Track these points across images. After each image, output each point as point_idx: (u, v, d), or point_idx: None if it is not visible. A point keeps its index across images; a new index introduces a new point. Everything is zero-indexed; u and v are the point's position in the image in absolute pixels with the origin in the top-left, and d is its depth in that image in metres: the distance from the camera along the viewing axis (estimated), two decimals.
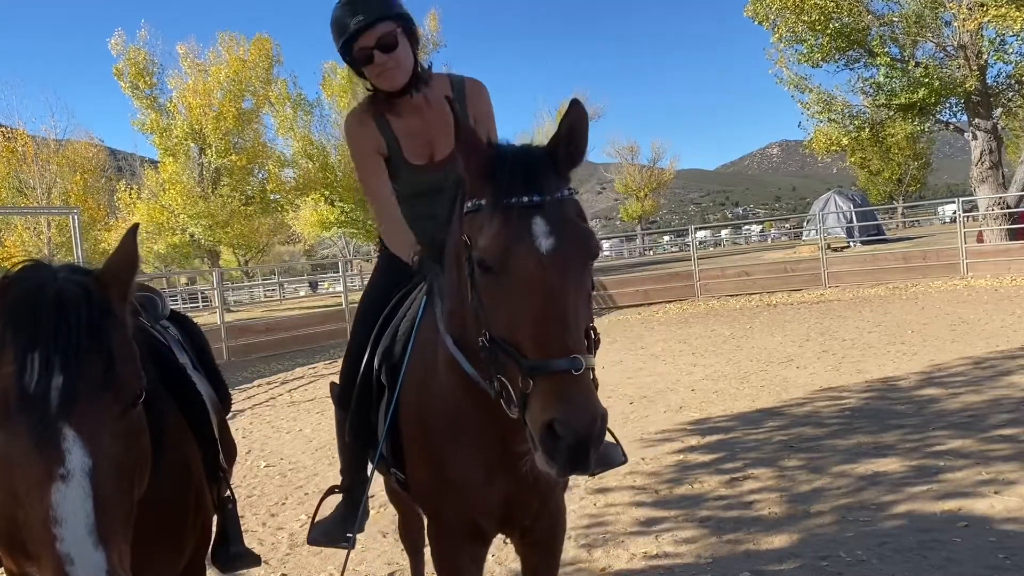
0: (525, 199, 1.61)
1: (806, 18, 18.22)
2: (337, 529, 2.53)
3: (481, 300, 1.65)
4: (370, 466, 2.50)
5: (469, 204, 1.70)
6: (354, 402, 2.39)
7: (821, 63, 19.12)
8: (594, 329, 1.64)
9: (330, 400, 2.71)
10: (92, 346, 1.34)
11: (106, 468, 1.28)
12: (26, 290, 1.38)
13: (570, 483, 2.41)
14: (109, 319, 1.41)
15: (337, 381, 2.63)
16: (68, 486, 1.22)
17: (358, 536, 2.51)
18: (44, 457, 1.24)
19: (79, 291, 1.40)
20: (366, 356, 2.40)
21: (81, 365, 1.31)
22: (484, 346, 1.62)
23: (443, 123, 2.41)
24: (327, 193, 33.08)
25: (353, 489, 2.55)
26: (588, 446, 1.43)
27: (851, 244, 24.35)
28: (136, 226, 1.58)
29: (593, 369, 1.56)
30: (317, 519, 2.66)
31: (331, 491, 2.67)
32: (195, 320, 2.92)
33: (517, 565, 3.83)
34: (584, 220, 1.70)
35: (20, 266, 1.47)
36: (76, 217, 16.96)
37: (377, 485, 2.61)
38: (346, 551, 2.39)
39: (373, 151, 2.54)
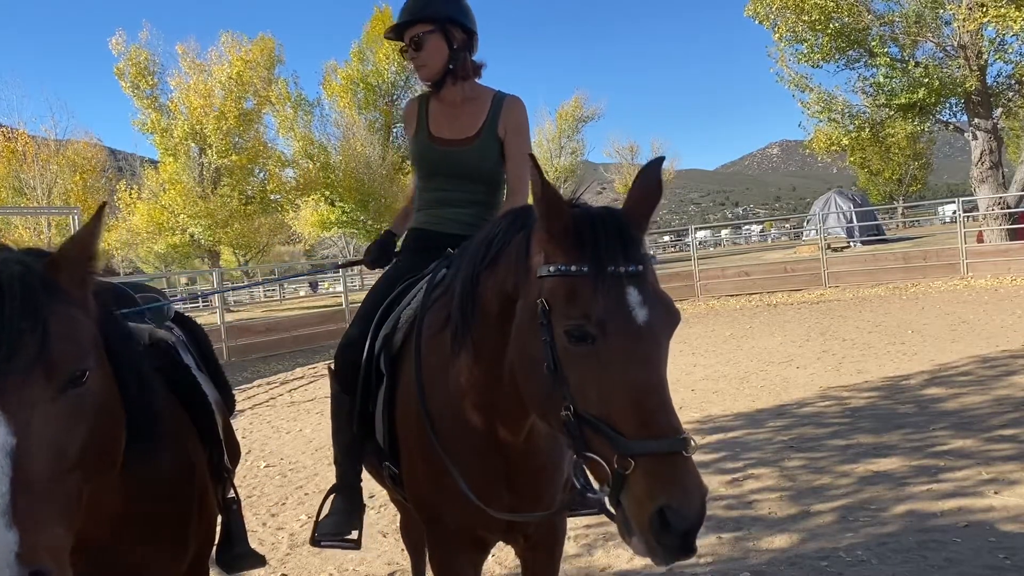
0: (623, 268, 1.51)
1: (806, 18, 18.22)
2: (343, 524, 2.51)
3: (566, 373, 1.50)
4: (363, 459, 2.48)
5: (550, 268, 1.57)
6: (360, 387, 2.36)
7: (821, 63, 19.13)
8: None
9: (330, 400, 2.69)
10: (25, 326, 1.33)
11: (35, 448, 1.26)
12: None
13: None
14: (51, 299, 1.39)
15: (333, 362, 2.59)
16: None
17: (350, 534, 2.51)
18: None
19: (20, 271, 1.39)
20: (368, 340, 2.38)
21: (12, 345, 1.31)
22: (569, 421, 1.49)
23: (464, 125, 2.70)
24: (327, 193, 33.10)
25: (351, 484, 2.53)
26: (696, 532, 1.34)
27: (851, 244, 24.37)
28: (104, 205, 1.56)
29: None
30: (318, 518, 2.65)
31: (331, 492, 2.62)
32: (195, 320, 2.92)
33: (518, 565, 3.85)
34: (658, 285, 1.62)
35: None
36: (76, 217, 17.01)
37: (379, 484, 2.60)
38: (348, 550, 2.37)
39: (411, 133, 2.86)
